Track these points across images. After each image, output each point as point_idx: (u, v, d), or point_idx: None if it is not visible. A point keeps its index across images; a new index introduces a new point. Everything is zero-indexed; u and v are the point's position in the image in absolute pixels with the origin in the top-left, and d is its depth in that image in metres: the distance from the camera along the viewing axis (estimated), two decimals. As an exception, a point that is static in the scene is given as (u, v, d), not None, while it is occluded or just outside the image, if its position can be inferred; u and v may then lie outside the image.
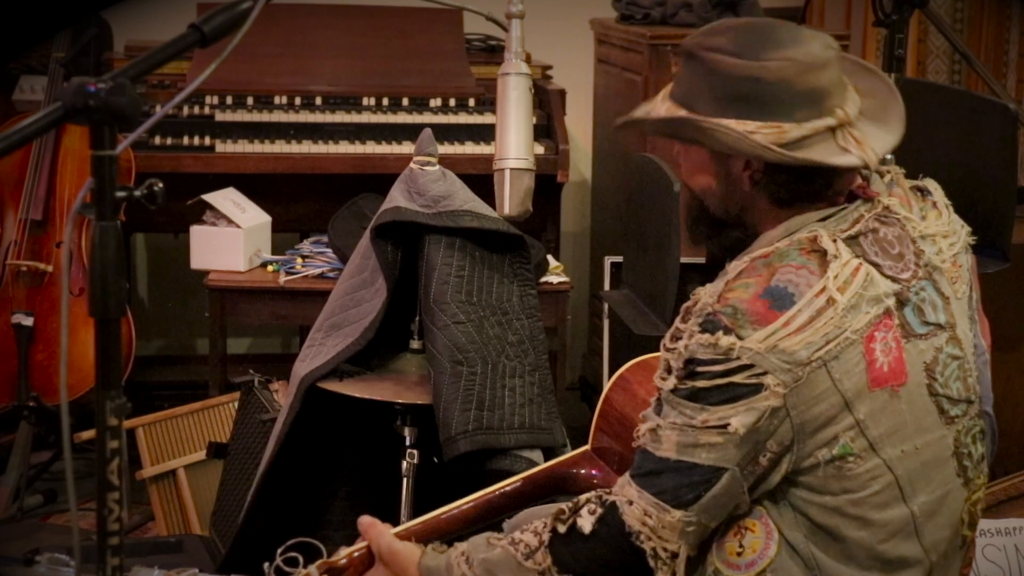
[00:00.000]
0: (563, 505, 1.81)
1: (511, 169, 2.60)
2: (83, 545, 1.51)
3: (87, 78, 1.38)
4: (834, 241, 1.74)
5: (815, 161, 1.74)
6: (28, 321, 3.57)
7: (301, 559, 1.88)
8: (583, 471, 2.04)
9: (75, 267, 3.58)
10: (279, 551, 1.89)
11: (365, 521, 1.95)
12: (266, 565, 1.90)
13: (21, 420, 3.58)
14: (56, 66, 3.71)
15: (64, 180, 3.66)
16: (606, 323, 3.80)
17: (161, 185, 1.44)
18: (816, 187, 1.78)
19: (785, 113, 1.74)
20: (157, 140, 3.70)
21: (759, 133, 1.73)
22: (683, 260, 3.11)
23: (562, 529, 1.79)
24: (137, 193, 1.42)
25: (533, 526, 1.82)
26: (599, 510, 1.77)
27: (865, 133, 1.78)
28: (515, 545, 1.81)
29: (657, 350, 1.82)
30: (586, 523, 1.77)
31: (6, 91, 3.95)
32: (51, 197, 3.66)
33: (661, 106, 1.84)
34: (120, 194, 1.41)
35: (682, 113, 1.78)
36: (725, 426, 1.68)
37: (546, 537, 1.79)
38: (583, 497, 1.81)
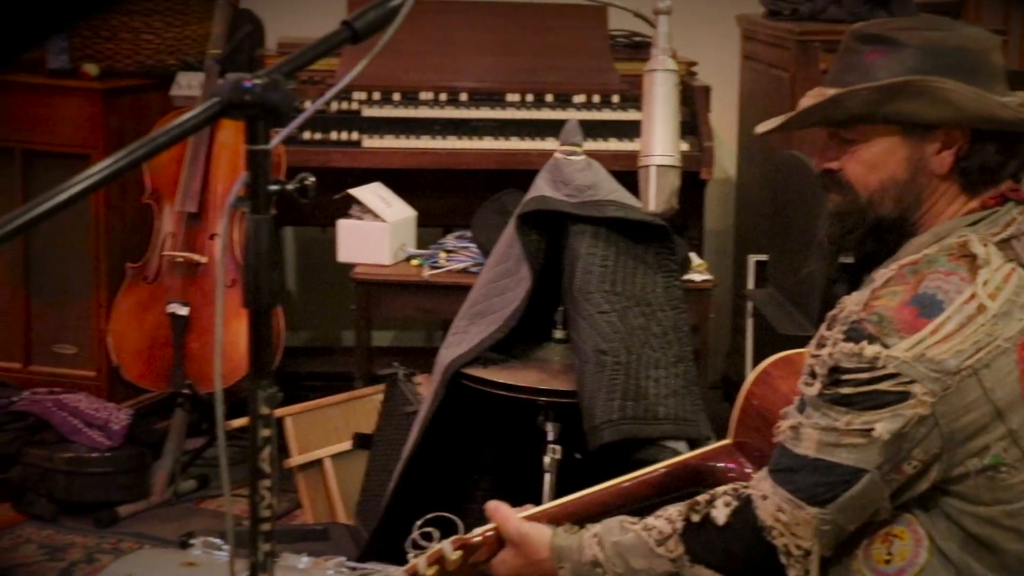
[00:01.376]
0: (700, 496, 1.80)
1: (657, 166, 2.58)
2: (235, 530, 1.55)
3: (243, 74, 1.39)
4: (984, 245, 1.69)
5: None
6: (183, 311, 3.67)
7: (438, 533, 1.90)
8: (720, 464, 2.02)
9: (228, 259, 3.66)
10: (417, 524, 1.91)
11: (491, 505, 1.96)
12: (412, 536, 1.92)
13: (176, 407, 3.69)
14: (212, 63, 3.80)
15: (218, 174, 3.74)
16: (750, 322, 3.75)
17: (313, 179, 1.45)
18: (1012, 165, 1.74)
19: (987, 86, 1.71)
20: (307, 135, 3.77)
21: None
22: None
23: (696, 519, 1.78)
24: (289, 187, 1.44)
25: (668, 513, 1.82)
26: (734, 503, 1.76)
27: None
28: (648, 530, 1.80)
29: (802, 349, 1.79)
30: (720, 515, 1.76)
31: (164, 87, 4.07)
32: (205, 191, 3.74)
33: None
34: (273, 188, 1.43)
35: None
36: (869, 430, 1.64)
37: (679, 525, 1.79)
38: (720, 489, 1.80)
